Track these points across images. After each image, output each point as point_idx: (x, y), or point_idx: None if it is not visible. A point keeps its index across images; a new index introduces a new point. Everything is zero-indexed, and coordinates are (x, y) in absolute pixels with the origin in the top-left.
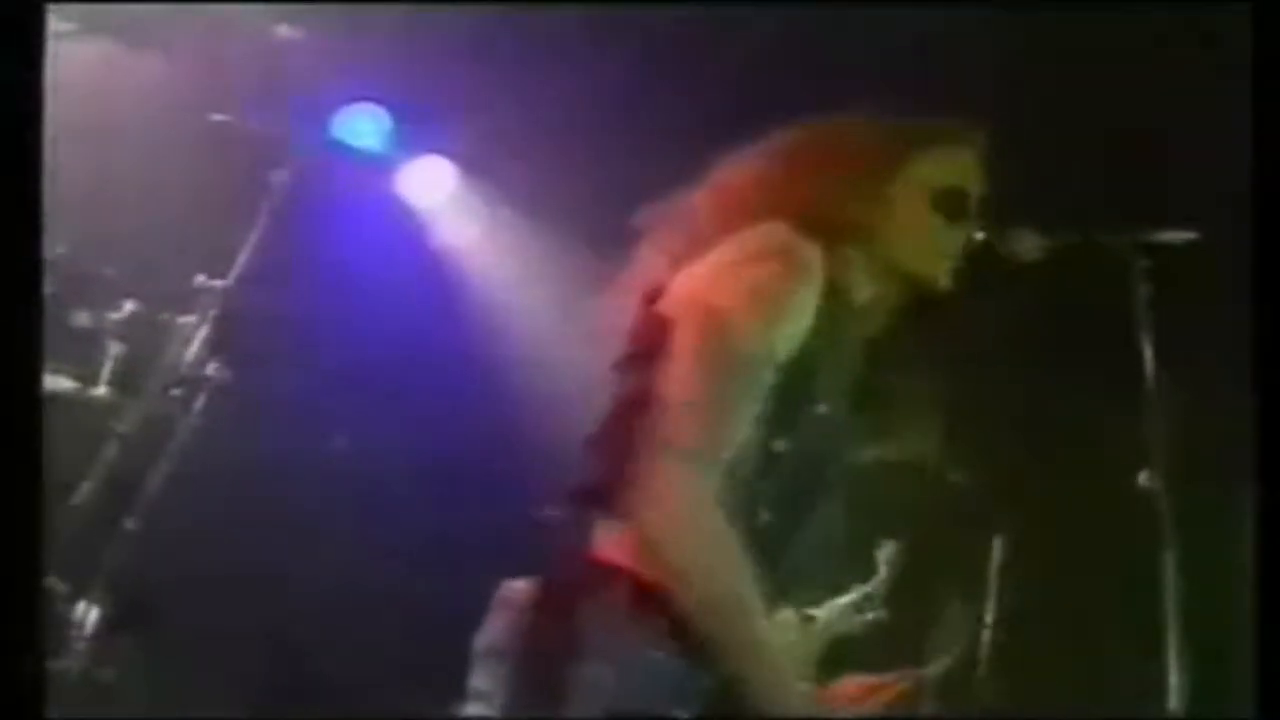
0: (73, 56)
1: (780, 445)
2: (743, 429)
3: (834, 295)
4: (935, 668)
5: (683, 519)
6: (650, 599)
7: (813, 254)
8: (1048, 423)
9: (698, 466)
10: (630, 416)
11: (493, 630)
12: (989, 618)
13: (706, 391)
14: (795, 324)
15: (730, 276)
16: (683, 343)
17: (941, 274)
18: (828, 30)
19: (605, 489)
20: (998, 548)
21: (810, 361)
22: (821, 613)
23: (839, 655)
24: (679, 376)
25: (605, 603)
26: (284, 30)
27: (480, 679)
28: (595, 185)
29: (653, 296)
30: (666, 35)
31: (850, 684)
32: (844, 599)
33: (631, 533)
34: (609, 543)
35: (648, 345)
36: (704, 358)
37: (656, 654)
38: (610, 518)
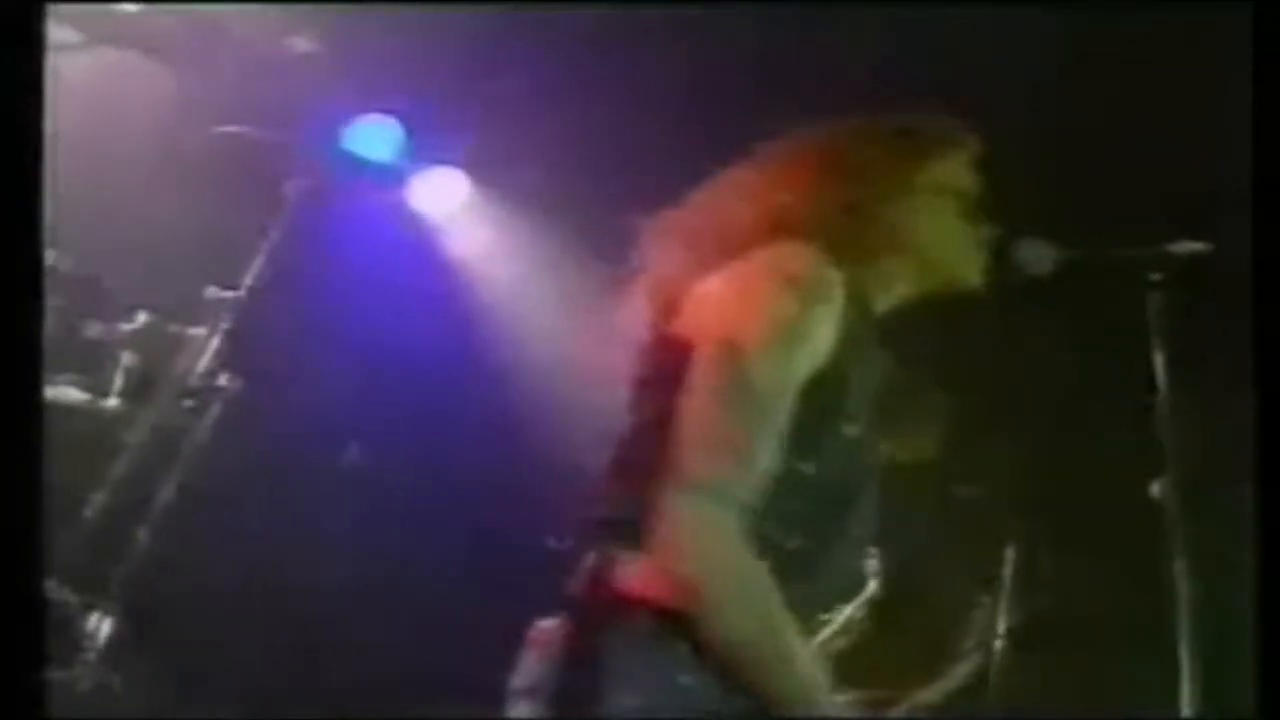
0: (82, 69)
1: (808, 468)
2: (765, 462)
3: (856, 313)
4: (948, 681)
5: (710, 558)
6: (676, 626)
7: (831, 276)
8: (1060, 433)
9: (721, 503)
10: (649, 445)
11: (525, 670)
12: (1001, 626)
13: (726, 427)
14: (815, 349)
15: (747, 303)
16: (701, 375)
17: (975, 272)
18: (832, 33)
19: (627, 522)
20: (1010, 556)
21: (836, 383)
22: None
23: (844, 665)
24: (698, 411)
25: (631, 633)
26: (295, 43)
27: (516, 715)
28: (607, 193)
29: (667, 313)
30: (677, 41)
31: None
32: (843, 612)
33: (657, 567)
34: (631, 572)
35: (665, 368)
36: (723, 392)
37: (686, 679)
38: (634, 551)
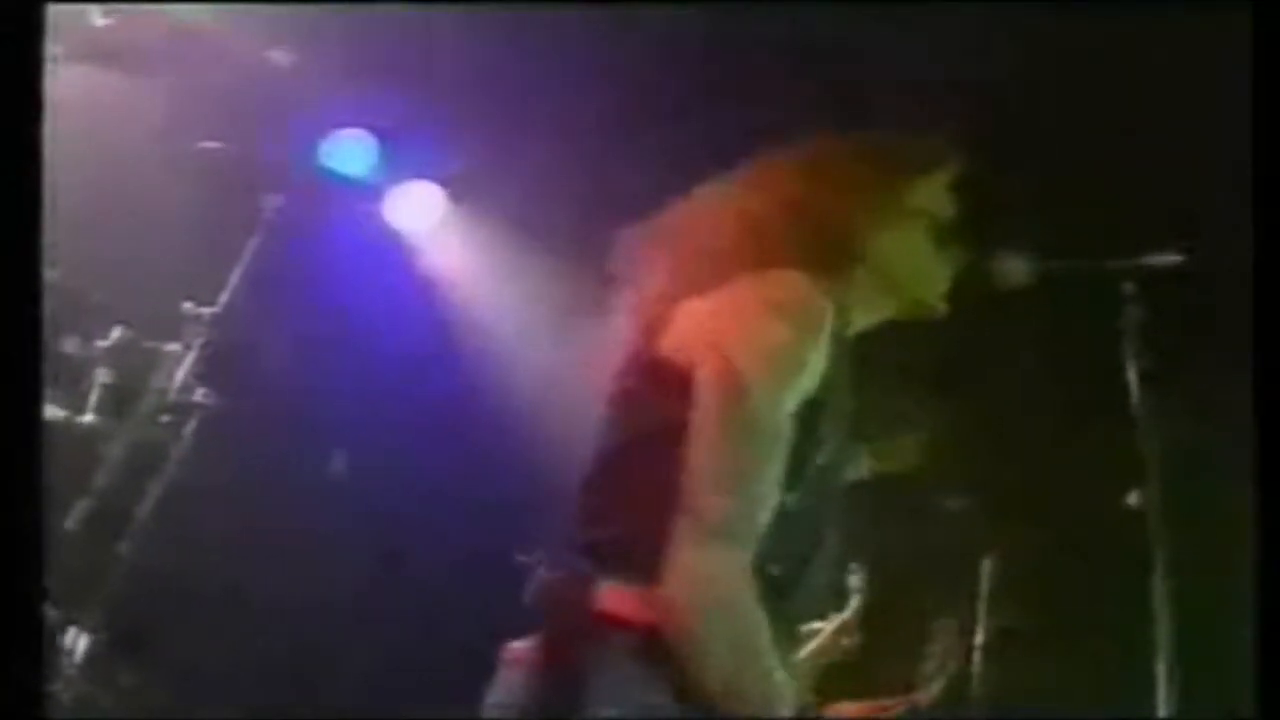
0: (59, 83)
1: (790, 499)
2: (771, 495)
3: (838, 335)
4: (929, 691)
5: (716, 594)
6: (655, 649)
7: (822, 304)
8: (1038, 444)
9: (732, 541)
10: (634, 468)
11: (500, 689)
12: (980, 638)
13: (735, 463)
14: (807, 379)
15: (745, 335)
16: (704, 409)
17: (940, 298)
18: (819, 45)
19: (618, 547)
20: (988, 568)
21: (817, 411)
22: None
23: (829, 681)
24: (706, 448)
25: (610, 656)
26: (271, 57)
27: None
28: (585, 206)
29: (652, 332)
30: (657, 57)
31: (848, 708)
32: (826, 627)
33: (657, 601)
34: (611, 595)
35: (652, 390)
36: (729, 428)
37: (663, 701)
38: (625, 579)
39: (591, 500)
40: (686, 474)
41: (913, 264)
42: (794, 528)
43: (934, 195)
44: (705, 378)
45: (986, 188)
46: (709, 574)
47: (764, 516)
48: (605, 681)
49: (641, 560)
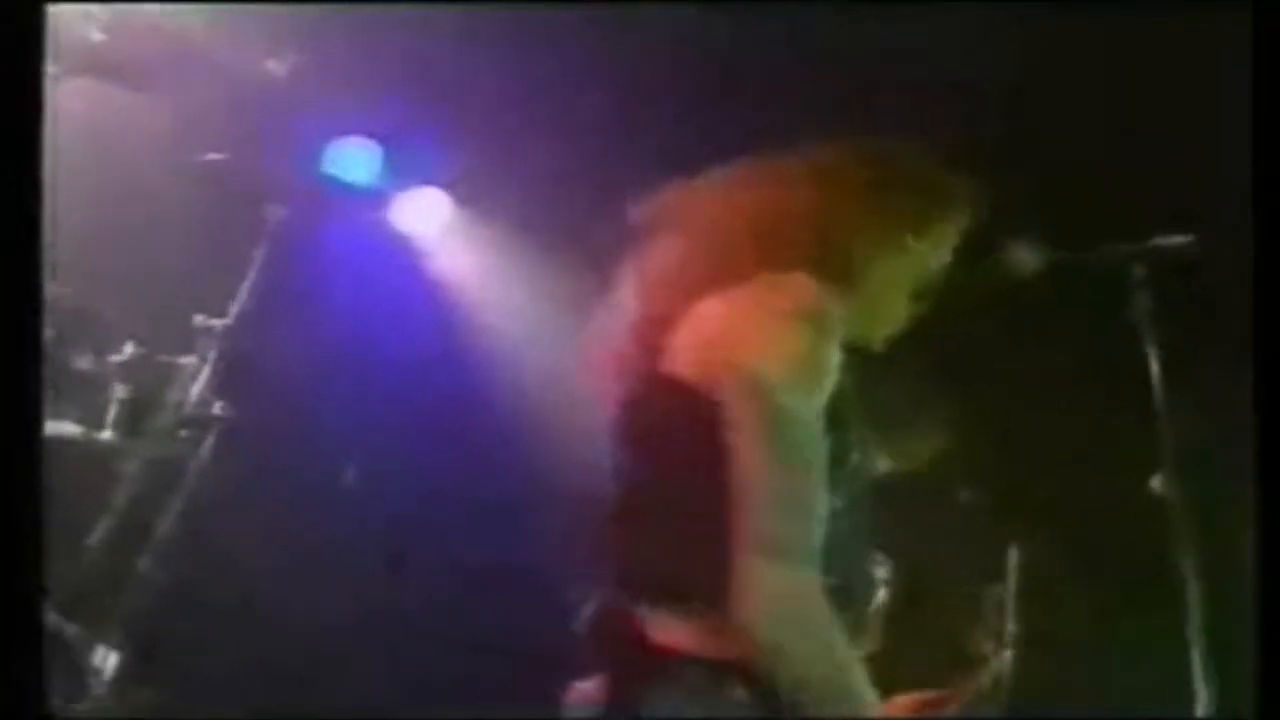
0: (61, 98)
1: (836, 503)
2: (823, 505)
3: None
4: (977, 679)
5: (799, 623)
6: (718, 679)
7: (834, 307)
8: (1057, 433)
9: (799, 559)
10: (673, 494)
11: None
12: (1009, 630)
13: (785, 480)
14: (829, 382)
15: (765, 341)
16: (740, 426)
17: (882, 341)
18: (820, 46)
19: (666, 578)
20: (1013, 560)
21: (840, 411)
22: None
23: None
24: (750, 466)
25: (675, 688)
26: (271, 66)
27: None
28: (588, 207)
29: (660, 339)
30: (662, 61)
31: (908, 699)
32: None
33: (729, 632)
34: (666, 627)
35: (676, 411)
36: (771, 443)
37: None
38: (677, 610)
39: (628, 532)
40: (738, 498)
41: (890, 296)
42: (841, 533)
43: (940, 242)
44: (733, 396)
45: (998, 175)
46: (784, 596)
47: (820, 526)
48: (672, 715)
49: (693, 589)
